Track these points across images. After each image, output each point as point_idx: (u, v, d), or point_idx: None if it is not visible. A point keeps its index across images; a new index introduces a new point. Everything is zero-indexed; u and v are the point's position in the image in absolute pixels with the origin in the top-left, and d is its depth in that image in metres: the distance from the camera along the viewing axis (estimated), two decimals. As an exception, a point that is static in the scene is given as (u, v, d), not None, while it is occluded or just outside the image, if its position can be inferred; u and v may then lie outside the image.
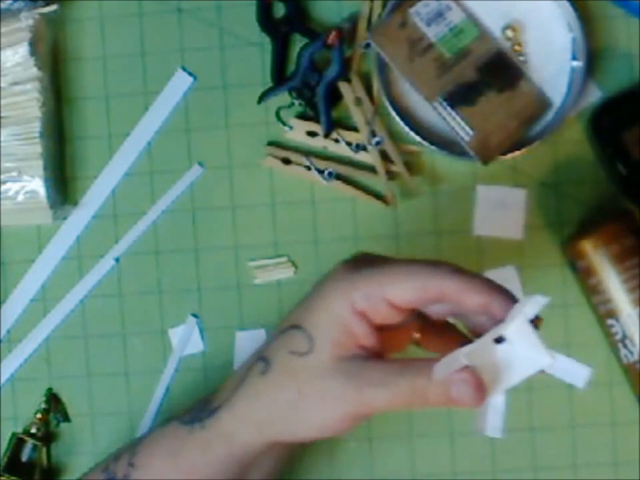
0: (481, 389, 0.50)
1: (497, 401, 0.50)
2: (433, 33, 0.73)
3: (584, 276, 0.73)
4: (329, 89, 0.74)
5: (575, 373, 0.50)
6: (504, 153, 0.73)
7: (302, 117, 0.76)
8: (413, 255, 0.75)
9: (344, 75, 0.74)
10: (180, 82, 0.77)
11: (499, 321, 0.51)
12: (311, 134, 0.75)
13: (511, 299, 0.52)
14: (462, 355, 0.49)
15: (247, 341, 0.76)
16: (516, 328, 0.50)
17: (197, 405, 0.60)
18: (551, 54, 0.74)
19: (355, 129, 0.75)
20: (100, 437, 0.77)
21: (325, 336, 0.53)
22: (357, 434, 0.76)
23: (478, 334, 0.53)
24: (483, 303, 0.52)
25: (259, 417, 0.56)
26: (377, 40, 0.72)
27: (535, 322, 0.51)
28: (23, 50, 0.73)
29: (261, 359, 0.56)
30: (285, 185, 0.76)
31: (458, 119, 0.72)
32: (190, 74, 0.77)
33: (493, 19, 0.74)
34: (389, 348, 0.57)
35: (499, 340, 0.50)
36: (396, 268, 0.53)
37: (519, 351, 0.50)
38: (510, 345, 0.50)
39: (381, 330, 0.54)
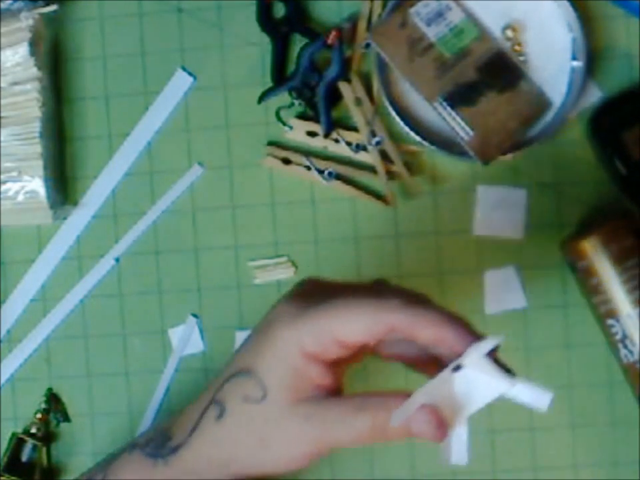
0: (441, 426, 0.49)
1: (459, 431, 0.50)
2: (432, 32, 0.73)
3: (584, 276, 0.73)
4: (329, 88, 0.74)
5: (536, 397, 0.50)
6: (504, 153, 0.73)
7: (302, 117, 0.76)
8: (412, 256, 0.76)
9: (344, 75, 0.74)
10: (180, 82, 0.77)
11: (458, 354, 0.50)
12: (311, 134, 0.75)
13: (467, 331, 0.51)
14: (419, 397, 0.49)
15: (247, 341, 0.76)
16: (472, 361, 0.49)
17: (157, 436, 0.58)
18: (551, 54, 0.74)
19: (355, 129, 0.75)
20: (100, 436, 0.77)
21: (278, 382, 0.52)
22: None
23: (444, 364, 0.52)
24: (436, 336, 0.51)
25: (220, 458, 0.55)
26: (377, 40, 0.72)
27: (493, 353, 0.51)
28: (23, 50, 0.73)
29: (215, 402, 0.55)
30: (285, 185, 0.76)
31: (458, 119, 0.72)
32: (190, 74, 0.77)
33: (493, 19, 0.74)
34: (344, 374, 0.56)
35: (457, 368, 0.50)
36: (343, 304, 0.51)
37: (477, 380, 0.50)
38: (467, 376, 0.50)
39: (337, 363, 0.53)
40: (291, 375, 0.52)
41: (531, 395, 0.50)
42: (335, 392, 0.53)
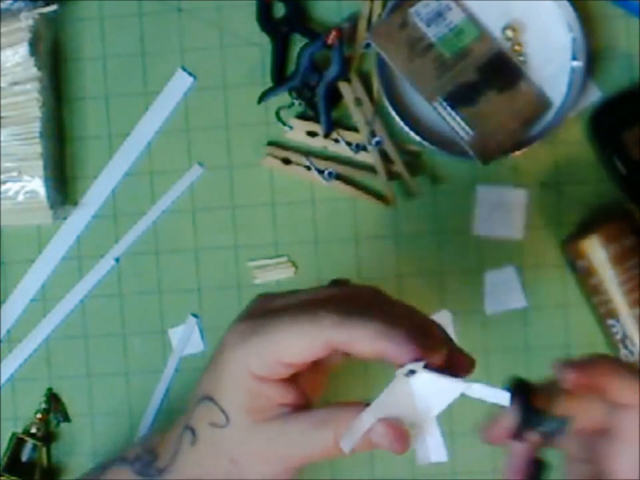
0: (401, 437, 0.49)
1: (432, 431, 0.49)
2: (432, 32, 0.73)
3: (584, 276, 0.73)
4: (329, 88, 0.74)
5: (496, 395, 0.49)
6: (504, 153, 0.73)
7: (302, 117, 0.76)
8: (412, 256, 0.76)
9: (344, 75, 0.74)
10: (180, 82, 0.77)
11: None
12: (311, 134, 0.76)
13: (406, 342, 0.49)
14: (366, 416, 0.48)
15: (247, 341, 0.76)
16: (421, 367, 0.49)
17: (144, 454, 0.59)
18: (551, 54, 0.74)
19: (355, 129, 0.75)
20: (100, 436, 0.77)
21: (237, 407, 0.52)
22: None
23: None
24: (375, 351, 0.49)
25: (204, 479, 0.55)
26: (377, 40, 0.72)
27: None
28: (22, 50, 0.73)
29: (188, 428, 0.55)
30: (285, 185, 0.76)
31: (458, 119, 0.72)
32: (190, 74, 0.77)
33: (492, 19, 0.74)
34: (316, 382, 0.56)
35: (411, 373, 0.49)
36: (281, 325, 0.51)
37: (435, 382, 0.49)
38: (424, 379, 0.49)
39: (299, 377, 0.53)
40: (247, 398, 0.52)
41: (491, 393, 0.49)
42: (301, 406, 0.53)
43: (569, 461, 0.55)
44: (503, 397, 0.49)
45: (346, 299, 0.53)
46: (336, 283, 0.57)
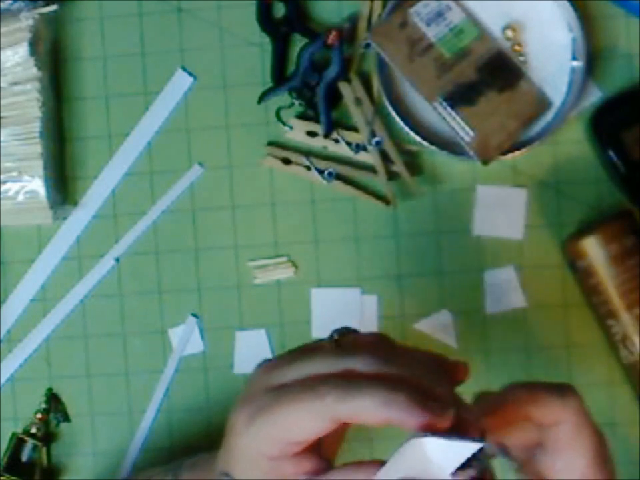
0: None
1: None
2: (433, 32, 0.73)
3: (584, 276, 0.73)
4: (329, 88, 0.74)
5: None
6: (504, 153, 0.73)
7: (302, 117, 0.76)
8: (412, 256, 0.76)
9: (344, 75, 0.74)
10: (180, 82, 0.77)
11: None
12: (311, 134, 0.76)
13: (412, 408, 0.48)
14: (381, 476, 0.48)
15: (246, 341, 0.76)
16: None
17: None
18: (551, 54, 0.74)
19: (355, 129, 0.75)
20: (100, 437, 0.77)
21: None
22: (358, 434, 0.76)
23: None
24: (381, 419, 0.49)
25: None
26: (377, 40, 0.72)
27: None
28: (22, 50, 0.73)
29: None
30: (285, 185, 0.76)
31: (458, 119, 0.72)
32: (190, 74, 0.77)
33: (493, 19, 0.74)
34: (333, 442, 0.56)
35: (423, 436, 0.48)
36: (284, 406, 0.50)
37: (449, 443, 0.48)
38: (438, 440, 0.48)
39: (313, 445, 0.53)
40: (266, 476, 0.52)
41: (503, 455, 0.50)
42: (322, 470, 0.53)
43: (517, 473, 0.57)
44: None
45: (346, 371, 0.52)
46: (339, 333, 0.55)
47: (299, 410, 0.50)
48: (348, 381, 0.50)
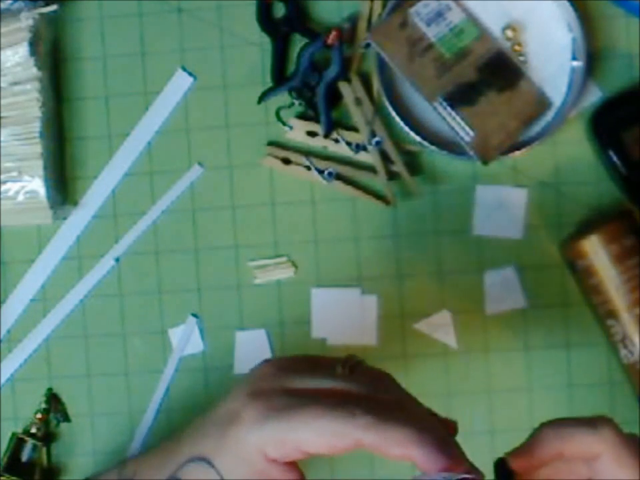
0: None
1: None
2: (433, 32, 0.73)
3: (584, 276, 0.73)
4: (329, 88, 0.74)
5: None
6: (504, 153, 0.73)
7: (302, 117, 0.76)
8: (412, 256, 0.76)
9: (344, 75, 0.74)
10: (180, 82, 0.77)
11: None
12: (311, 134, 0.75)
13: (436, 452, 0.49)
14: None
15: (247, 341, 0.76)
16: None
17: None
18: (551, 54, 0.74)
19: (355, 129, 0.75)
20: (100, 437, 0.77)
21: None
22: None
23: None
24: (404, 456, 0.50)
25: None
26: (377, 40, 0.72)
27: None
28: (22, 50, 0.73)
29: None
30: (285, 185, 0.76)
31: (458, 118, 0.72)
32: (190, 74, 0.77)
33: (492, 19, 0.74)
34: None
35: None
36: (309, 416, 0.50)
37: None
38: None
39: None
40: (251, 475, 0.52)
41: None
42: None
43: None
44: None
45: (378, 399, 0.52)
46: (347, 363, 0.55)
47: (326, 424, 0.49)
48: (382, 409, 0.50)
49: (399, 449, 0.49)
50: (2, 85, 0.74)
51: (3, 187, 0.75)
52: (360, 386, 0.52)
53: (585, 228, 0.73)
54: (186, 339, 0.77)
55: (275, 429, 0.50)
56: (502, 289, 0.75)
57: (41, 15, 0.74)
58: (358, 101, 0.75)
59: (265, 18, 0.76)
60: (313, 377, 0.53)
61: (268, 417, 0.51)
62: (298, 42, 0.75)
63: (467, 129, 0.72)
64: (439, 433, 0.50)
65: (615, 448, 0.51)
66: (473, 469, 0.50)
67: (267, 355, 0.76)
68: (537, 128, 0.74)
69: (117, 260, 0.77)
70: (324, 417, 0.50)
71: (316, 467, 0.76)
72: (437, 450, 0.49)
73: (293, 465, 0.52)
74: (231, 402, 0.53)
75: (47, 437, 0.77)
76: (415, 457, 0.49)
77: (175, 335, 0.77)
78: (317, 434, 0.50)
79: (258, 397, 0.52)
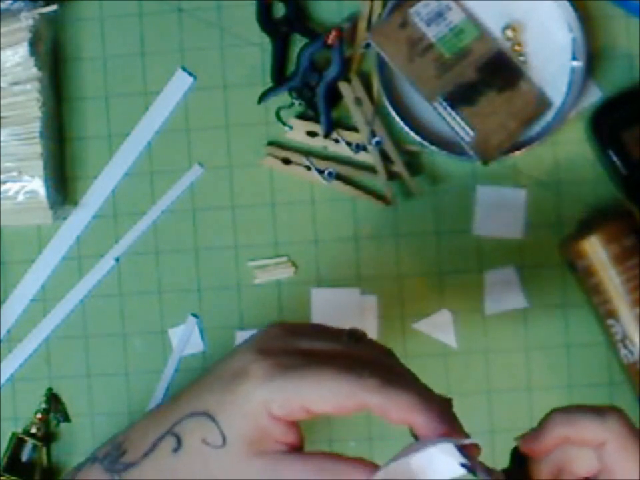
0: None
1: None
2: (433, 32, 0.73)
3: (584, 276, 0.73)
4: (329, 88, 0.74)
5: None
6: (504, 153, 0.73)
7: (302, 117, 0.76)
8: (412, 256, 0.76)
9: (344, 75, 0.74)
10: (180, 82, 0.77)
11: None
12: (311, 134, 0.76)
13: (438, 419, 0.50)
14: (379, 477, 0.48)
15: (247, 341, 0.76)
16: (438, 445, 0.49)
17: (113, 449, 0.58)
18: (551, 54, 0.74)
19: (355, 129, 0.75)
20: (100, 437, 0.77)
21: (238, 435, 0.52)
22: (357, 434, 0.76)
23: None
24: (406, 420, 0.50)
25: None
26: (377, 40, 0.72)
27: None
28: (23, 50, 0.73)
29: (173, 434, 0.55)
30: (285, 185, 0.76)
31: (458, 119, 0.72)
32: (190, 74, 0.77)
33: (493, 19, 0.74)
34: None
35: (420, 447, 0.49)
36: (318, 375, 0.51)
37: (437, 458, 0.49)
38: (430, 454, 0.49)
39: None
40: (252, 431, 0.52)
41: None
42: (295, 448, 0.53)
43: None
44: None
45: (384, 364, 0.53)
46: (353, 334, 0.56)
47: (334, 384, 0.50)
48: (388, 373, 0.51)
49: (403, 412, 0.50)
50: (2, 84, 0.74)
51: (3, 187, 0.75)
52: (366, 353, 0.53)
53: (585, 228, 0.73)
54: (186, 339, 0.77)
55: (282, 386, 0.51)
56: (502, 288, 0.75)
57: (41, 14, 0.74)
58: (358, 101, 0.75)
59: (264, 18, 0.76)
60: (321, 339, 0.54)
61: (276, 374, 0.51)
62: (298, 42, 0.75)
63: (467, 128, 0.72)
64: (441, 402, 0.51)
65: (620, 437, 0.51)
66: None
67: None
68: (537, 128, 0.74)
69: (117, 260, 0.77)
70: (332, 376, 0.50)
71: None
72: (439, 416, 0.50)
73: (295, 427, 0.52)
74: (238, 358, 0.53)
75: (47, 437, 0.77)
76: (417, 421, 0.50)
77: (175, 335, 0.77)
78: (325, 393, 0.50)
79: (267, 354, 0.52)
